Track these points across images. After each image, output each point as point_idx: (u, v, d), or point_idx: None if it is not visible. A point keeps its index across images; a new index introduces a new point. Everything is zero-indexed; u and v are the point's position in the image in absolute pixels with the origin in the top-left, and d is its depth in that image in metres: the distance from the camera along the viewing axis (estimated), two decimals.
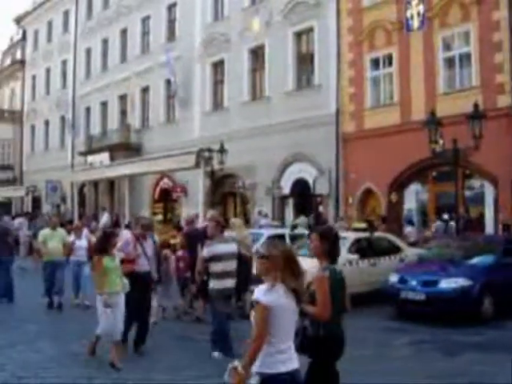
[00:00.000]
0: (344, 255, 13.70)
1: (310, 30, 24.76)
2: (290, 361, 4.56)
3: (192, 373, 8.37)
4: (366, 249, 14.82)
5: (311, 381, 5.36)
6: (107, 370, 8.39)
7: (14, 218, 27.93)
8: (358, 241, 14.93)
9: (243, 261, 10.66)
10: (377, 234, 16.49)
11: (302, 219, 22.13)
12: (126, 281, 9.01)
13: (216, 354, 9.11)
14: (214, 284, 9.39)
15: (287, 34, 25.45)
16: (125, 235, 10.93)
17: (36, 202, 44.05)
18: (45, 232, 14.49)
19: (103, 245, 9.09)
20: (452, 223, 18.65)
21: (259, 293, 4.55)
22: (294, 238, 16.67)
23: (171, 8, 33.34)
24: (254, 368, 4.42)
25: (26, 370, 8.46)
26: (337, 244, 6.06)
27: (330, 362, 5.70)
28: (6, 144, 50.30)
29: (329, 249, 5.86)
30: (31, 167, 47.39)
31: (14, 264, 15.66)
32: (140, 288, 9.40)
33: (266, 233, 16.94)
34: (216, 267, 9.38)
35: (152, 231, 10.72)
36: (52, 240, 13.95)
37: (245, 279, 11.03)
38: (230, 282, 9.55)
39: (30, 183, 45.52)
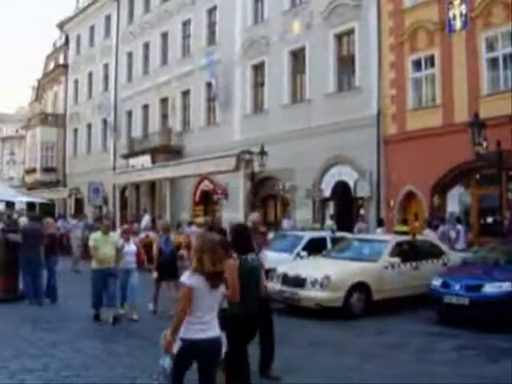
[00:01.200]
0: (385, 258, 13.68)
1: (351, 31, 24.61)
2: (210, 330, 5.57)
3: None
4: (408, 252, 14.66)
5: (227, 357, 6.20)
6: (151, 369, 8.44)
7: (56, 220, 28.25)
8: (399, 244, 14.78)
9: None
10: (419, 236, 16.32)
11: (330, 223, 22.37)
12: None
13: None
14: None
15: (328, 35, 25.35)
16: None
17: (78, 204, 44.73)
18: (96, 236, 12.77)
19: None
20: (459, 227, 18.57)
21: (184, 276, 5.62)
22: (335, 241, 16.61)
23: (211, 11, 33.51)
24: (180, 334, 5.50)
25: (70, 370, 8.50)
26: (248, 239, 7.30)
27: (242, 341, 6.95)
28: (50, 147, 51.08)
29: (241, 243, 7.16)
30: (74, 170, 48.10)
31: (57, 265, 15.77)
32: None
33: (307, 236, 16.92)
34: None
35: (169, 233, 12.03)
36: (104, 246, 12.40)
37: None
38: None
39: (72, 185, 46.34)
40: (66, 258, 22.53)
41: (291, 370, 8.52)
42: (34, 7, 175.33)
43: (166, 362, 5.58)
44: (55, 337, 10.80)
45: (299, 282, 13.11)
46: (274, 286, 13.69)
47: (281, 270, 13.84)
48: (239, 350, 6.92)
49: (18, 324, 11.12)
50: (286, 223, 23.58)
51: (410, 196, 21.92)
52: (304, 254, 15.82)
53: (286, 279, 13.49)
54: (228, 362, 6.60)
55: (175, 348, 5.54)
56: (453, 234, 18.15)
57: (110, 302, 12.28)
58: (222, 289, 5.85)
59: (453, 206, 21.09)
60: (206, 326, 5.56)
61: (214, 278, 5.56)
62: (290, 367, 8.63)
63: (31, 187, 51.13)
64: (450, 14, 19.71)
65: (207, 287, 5.52)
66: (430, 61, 21.47)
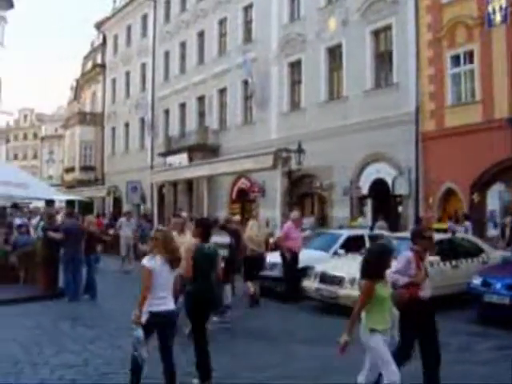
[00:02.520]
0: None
1: (388, 27, 24.40)
2: (168, 304, 7.00)
3: None
4: (447, 250, 14.45)
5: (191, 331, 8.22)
6: (186, 370, 8.46)
7: (98, 217, 28.55)
8: (439, 242, 14.57)
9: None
10: (459, 235, 16.10)
11: (361, 220, 22.36)
12: (395, 312, 6.85)
13: None
14: None
15: (364, 32, 25.18)
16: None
17: (117, 202, 45.16)
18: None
19: (378, 267, 6.62)
20: (467, 223, 18.52)
21: (144, 260, 7.07)
22: (373, 238, 16.45)
23: (247, 9, 33.56)
24: (145, 308, 6.83)
25: (109, 366, 8.59)
26: (208, 229, 8.73)
27: (198, 315, 8.15)
28: (88, 146, 51.71)
29: (201, 232, 8.57)
30: (112, 168, 48.64)
31: (99, 262, 15.95)
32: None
33: (345, 234, 16.83)
34: None
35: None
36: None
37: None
38: None
39: (111, 183, 46.80)
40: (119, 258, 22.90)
41: (327, 368, 8.47)
42: (73, 8, 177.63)
43: (139, 333, 6.76)
44: (95, 333, 10.93)
45: (337, 281, 13.03)
46: (311, 284, 13.70)
47: (318, 268, 13.79)
48: (197, 324, 8.16)
49: (59, 320, 11.30)
50: (305, 221, 23.37)
51: (449, 193, 21.65)
52: (342, 252, 15.72)
53: (323, 277, 13.43)
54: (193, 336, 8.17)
55: (143, 319, 6.82)
56: (461, 230, 17.92)
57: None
58: (177, 271, 7.38)
59: (493, 203, 20.78)
60: (163, 301, 6.98)
61: (174, 262, 7.07)
62: (326, 366, 8.59)
63: (70, 186, 51.81)
64: (490, 9, 19.35)
65: (166, 268, 6.97)
66: (469, 56, 21.16)
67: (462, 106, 21.43)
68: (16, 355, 9.14)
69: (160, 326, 6.98)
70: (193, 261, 8.22)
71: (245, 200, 32.61)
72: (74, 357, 9.15)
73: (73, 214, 17.20)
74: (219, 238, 11.67)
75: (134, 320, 6.85)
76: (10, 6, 44.95)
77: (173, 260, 7.05)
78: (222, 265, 10.70)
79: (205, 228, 8.74)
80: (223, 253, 11.22)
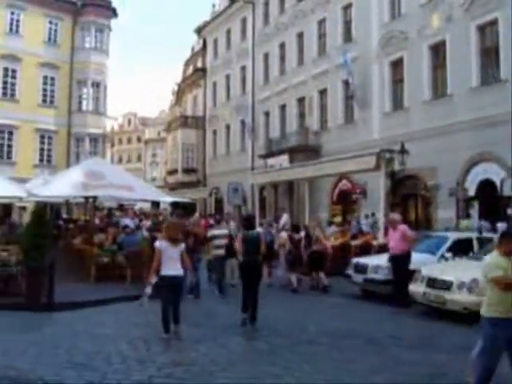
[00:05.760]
0: None
1: (494, 22, 23.52)
2: (173, 270, 10.26)
3: None
4: None
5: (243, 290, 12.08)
6: (294, 367, 8.48)
7: (205, 218, 29.10)
8: None
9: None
10: None
11: (466, 222, 21.65)
12: None
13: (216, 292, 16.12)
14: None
15: (469, 27, 24.43)
16: None
17: (218, 204, 45.85)
18: None
19: None
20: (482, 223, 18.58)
21: (156, 242, 10.77)
22: (481, 241, 15.90)
23: (347, 9, 33.30)
24: (161, 273, 10.30)
25: (215, 365, 8.60)
26: (250, 221, 12.87)
27: (245, 278, 12.05)
28: (190, 148, 52.67)
29: (245, 224, 12.62)
30: (214, 170, 49.41)
31: (200, 263, 16.25)
32: None
33: (453, 236, 16.35)
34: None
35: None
36: None
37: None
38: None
39: (212, 185, 47.62)
40: None
41: (434, 375, 8.24)
42: (173, 15, 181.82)
43: (148, 289, 10.37)
44: (201, 332, 11.05)
45: (445, 285, 12.65)
46: (417, 288, 13.35)
47: (425, 272, 13.44)
48: (244, 284, 12.02)
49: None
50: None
51: None
52: (449, 255, 15.27)
53: (430, 282, 13.07)
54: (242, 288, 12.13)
55: (153, 280, 10.31)
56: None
57: None
58: (180, 247, 10.51)
59: None
60: (169, 268, 10.23)
61: (174, 242, 10.44)
62: (433, 372, 8.36)
63: (173, 187, 53.00)
64: None
65: (170, 247, 10.36)
66: None
67: None
68: (124, 351, 9.39)
69: (166, 285, 10.21)
70: (242, 243, 12.02)
71: (346, 201, 32.34)
72: (180, 355, 9.32)
73: (184, 215, 17.63)
74: (219, 230, 17.00)
75: (147, 281, 10.64)
76: (114, 15, 46.62)
77: (173, 240, 10.46)
78: (223, 251, 16.27)
79: (248, 221, 12.66)
80: (223, 242, 16.39)
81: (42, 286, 13.45)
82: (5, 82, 40.65)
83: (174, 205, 32.26)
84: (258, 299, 11.86)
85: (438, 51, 26.50)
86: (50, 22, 43.10)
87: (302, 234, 18.64)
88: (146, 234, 18.80)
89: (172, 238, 10.48)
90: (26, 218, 21.94)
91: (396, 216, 15.90)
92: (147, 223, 24.69)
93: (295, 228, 19.35)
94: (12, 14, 41.12)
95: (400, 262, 14.45)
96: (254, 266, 11.91)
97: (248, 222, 12.61)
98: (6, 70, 40.63)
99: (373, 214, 26.22)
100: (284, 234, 18.85)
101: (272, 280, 18.21)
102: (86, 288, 16.23)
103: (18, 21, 41.37)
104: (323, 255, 17.75)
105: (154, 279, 10.25)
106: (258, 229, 16.25)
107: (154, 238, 15.66)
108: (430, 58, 26.82)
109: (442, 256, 15.36)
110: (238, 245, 12.36)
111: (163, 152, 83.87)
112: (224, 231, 16.98)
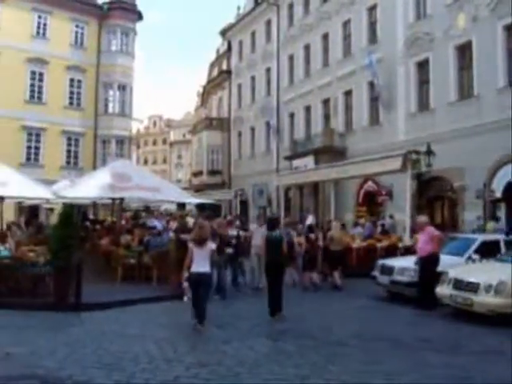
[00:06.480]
0: None
1: None
2: (200, 268, 11.05)
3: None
4: None
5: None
6: (321, 369, 8.47)
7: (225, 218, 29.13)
8: None
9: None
10: None
11: (493, 224, 21.46)
12: None
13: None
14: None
15: (496, 27, 24.24)
16: None
17: (243, 205, 45.92)
18: None
19: None
20: None
21: (189, 243, 11.59)
22: (509, 243, 15.76)
23: (372, 10, 33.21)
24: (190, 270, 11.18)
25: (242, 366, 8.61)
26: (272, 223, 13.49)
27: (269, 275, 12.89)
28: (215, 150, 52.85)
29: (269, 226, 13.32)
30: (239, 172, 49.50)
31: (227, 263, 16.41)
32: None
33: (480, 238, 16.21)
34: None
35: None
36: None
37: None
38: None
39: (237, 187, 47.71)
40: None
41: (461, 377, 8.18)
42: (198, 18, 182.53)
43: (185, 284, 11.68)
44: (227, 333, 11.09)
45: (472, 287, 12.55)
46: (444, 290, 13.27)
47: (452, 273, 13.34)
48: (269, 281, 12.89)
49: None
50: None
51: None
52: (476, 257, 15.15)
53: (457, 283, 12.98)
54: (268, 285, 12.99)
55: (185, 276, 11.41)
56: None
57: None
58: (208, 248, 11.32)
59: None
60: (197, 266, 11.07)
61: (199, 243, 11.24)
62: (457, 375, 8.29)
63: (198, 189, 53.22)
64: None
65: (197, 247, 11.17)
66: None
67: None
68: (151, 351, 9.46)
69: (195, 280, 11.14)
70: (266, 242, 12.84)
71: (372, 203, 32.22)
72: (207, 356, 9.30)
73: (212, 217, 17.73)
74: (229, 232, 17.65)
75: (183, 278, 11.82)
76: (140, 18, 46.99)
77: (199, 241, 11.29)
78: (231, 250, 16.77)
79: (271, 223, 13.45)
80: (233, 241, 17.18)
81: (69, 286, 13.61)
82: (32, 85, 41.16)
83: (200, 206, 32.39)
84: (283, 293, 12.86)
85: (464, 52, 26.29)
86: (77, 26, 43.63)
87: (320, 234, 19.18)
88: (171, 235, 18.88)
89: (201, 239, 11.31)
90: (54, 219, 22.13)
91: (423, 218, 15.80)
92: (174, 225, 24.83)
93: (310, 229, 19.55)
94: (39, 17, 41.63)
95: (427, 264, 14.34)
96: (276, 265, 12.71)
97: (271, 224, 13.33)
98: (33, 73, 41.14)
99: (391, 217, 26.17)
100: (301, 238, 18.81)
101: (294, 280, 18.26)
102: (113, 288, 16.38)
103: (44, 24, 41.92)
104: (341, 255, 18.51)
105: (186, 275, 11.38)
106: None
107: (180, 239, 15.78)
108: (456, 59, 26.62)
109: (470, 258, 15.25)
110: (262, 244, 13.33)
111: (188, 154, 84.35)
112: (233, 232, 17.81)
